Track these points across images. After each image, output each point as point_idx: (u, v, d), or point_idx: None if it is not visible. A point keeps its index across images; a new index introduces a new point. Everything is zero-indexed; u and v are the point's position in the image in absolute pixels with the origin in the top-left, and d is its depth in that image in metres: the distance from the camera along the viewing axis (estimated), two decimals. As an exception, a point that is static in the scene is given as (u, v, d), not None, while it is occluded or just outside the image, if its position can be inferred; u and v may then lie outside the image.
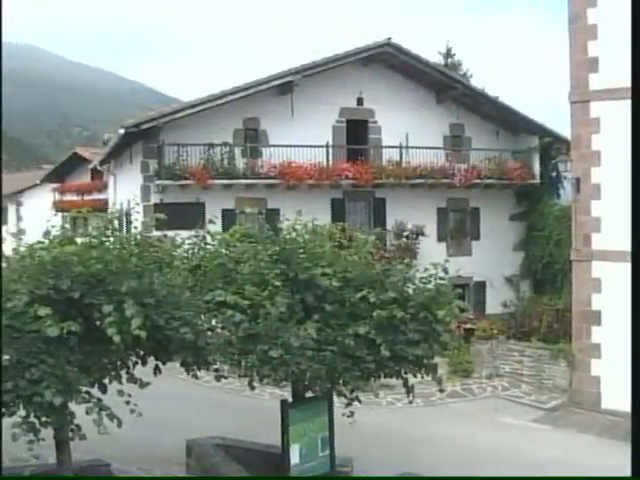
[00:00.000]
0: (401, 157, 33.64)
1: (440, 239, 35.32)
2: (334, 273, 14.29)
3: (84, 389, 11.04)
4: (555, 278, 34.30)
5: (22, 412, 10.79)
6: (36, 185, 59.50)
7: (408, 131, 33.61)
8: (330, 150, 32.65)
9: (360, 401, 14.76)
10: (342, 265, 14.73)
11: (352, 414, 14.29)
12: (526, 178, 35.72)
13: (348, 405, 14.56)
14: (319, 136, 32.15)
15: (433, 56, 47.97)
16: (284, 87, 31.99)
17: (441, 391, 16.17)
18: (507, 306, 35.77)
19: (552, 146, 35.98)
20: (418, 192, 34.12)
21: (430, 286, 14.26)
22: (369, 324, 13.71)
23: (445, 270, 14.30)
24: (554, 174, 36.96)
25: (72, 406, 11.18)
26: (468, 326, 29.47)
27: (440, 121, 35.64)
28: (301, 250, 14.73)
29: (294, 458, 14.74)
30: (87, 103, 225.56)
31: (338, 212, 32.61)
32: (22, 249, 12.67)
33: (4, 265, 12.61)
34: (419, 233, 34.02)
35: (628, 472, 10.74)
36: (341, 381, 13.91)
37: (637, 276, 7.17)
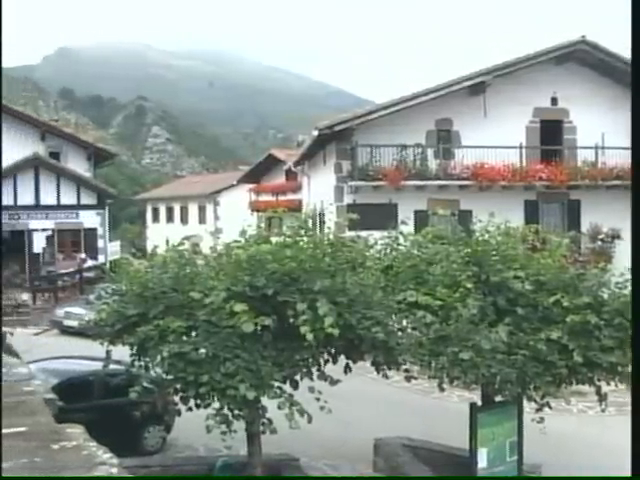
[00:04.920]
0: (597, 158, 32.77)
1: (637, 243, 34.08)
2: (527, 276, 14.11)
3: (276, 384, 11.37)
4: None
5: (216, 404, 11.24)
6: (233, 185, 61.36)
7: (604, 131, 32.58)
8: (523, 151, 32.19)
9: (550, 407, 14.48)
10: (535, 268, 14.52)
11: (542, 420, 14.02)
12: None
13: (538, 411, 14.28)
14: (512, 137, 31.75)
15: (628, 53, 46.31)
16: (476, 87, 31.78)
17: (636, 401, 15.66)
18: None
19: None
20: (614, 194, 33.03)
21: (626, 291, 13.85)
22: (562, 329, 13.45)
23: (643, 275, 13.81)
24: None
25: (263, 400, 11.53)
26: (667, 334, 28.34)
27: (639, 121, 34.39)
28: (493, 252, 14.64)
29: (481, 462, 14.61)
30: (282, 106, 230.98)
31: (531, 214, 32.03)
32: (219, 247, 13.21)
33: (202, 262, 13.17)
34: (615, 236, 32.98)
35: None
36: (532, 386, 13.66)
37: (637, 272, 6.85)
